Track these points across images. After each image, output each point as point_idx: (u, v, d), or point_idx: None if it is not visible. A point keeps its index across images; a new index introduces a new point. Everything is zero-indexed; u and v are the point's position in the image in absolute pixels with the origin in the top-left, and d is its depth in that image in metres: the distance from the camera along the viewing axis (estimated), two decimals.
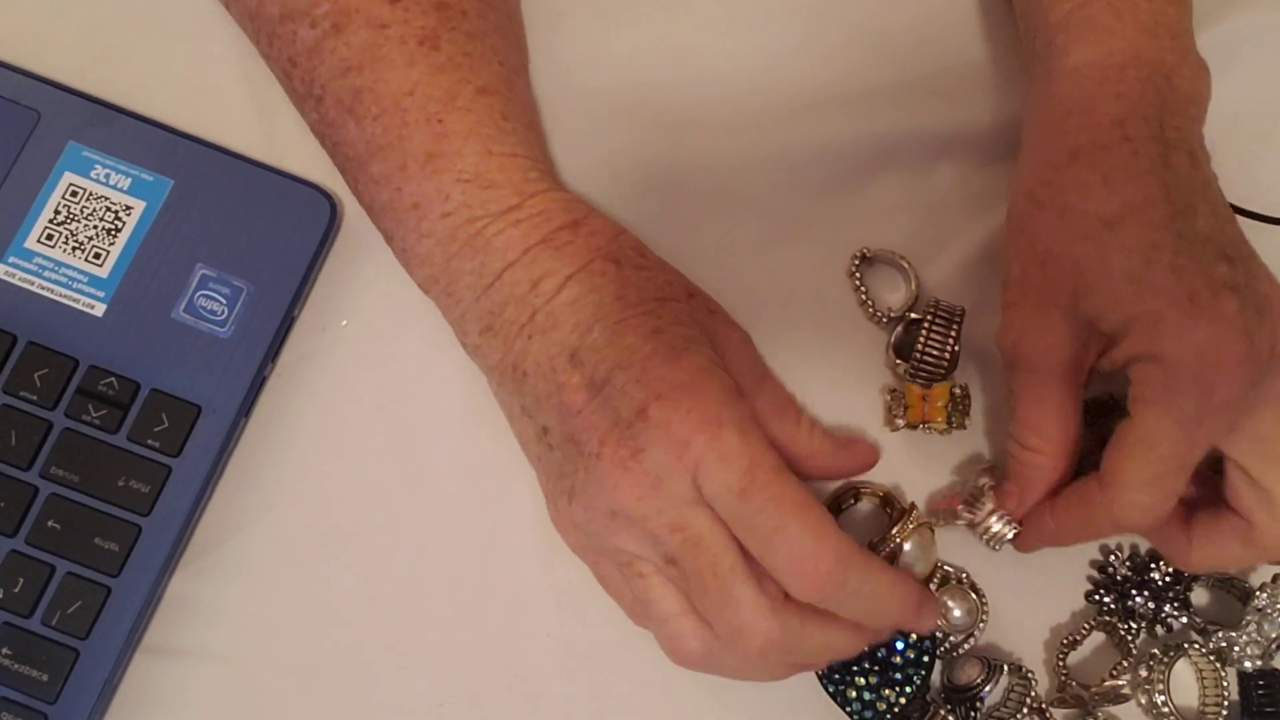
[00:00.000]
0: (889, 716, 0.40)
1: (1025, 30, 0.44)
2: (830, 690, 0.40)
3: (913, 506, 0.42)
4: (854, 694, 0.40)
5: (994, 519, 0.41)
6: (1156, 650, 0.42)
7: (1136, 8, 0.40)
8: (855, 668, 0.40)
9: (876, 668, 0.40)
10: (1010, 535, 0.41)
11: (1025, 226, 0.40)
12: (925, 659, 0.40)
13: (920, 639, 0.40)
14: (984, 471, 0.42)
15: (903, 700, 0.40)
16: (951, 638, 0.41)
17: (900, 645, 0.40)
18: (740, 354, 0.39)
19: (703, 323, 0.38)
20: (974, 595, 0.42)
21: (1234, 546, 0.39)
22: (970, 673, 0.40)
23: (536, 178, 0.39)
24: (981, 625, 0.42)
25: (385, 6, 0.38)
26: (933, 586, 0.42)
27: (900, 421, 0.43)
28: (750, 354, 0.39)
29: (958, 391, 0.42)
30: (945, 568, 0.42)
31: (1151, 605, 0.42)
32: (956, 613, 0.41)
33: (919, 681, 0.40)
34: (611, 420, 0.35)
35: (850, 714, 0.40)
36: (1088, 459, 0.40)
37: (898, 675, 0.40)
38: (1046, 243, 0.39)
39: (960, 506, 0.41)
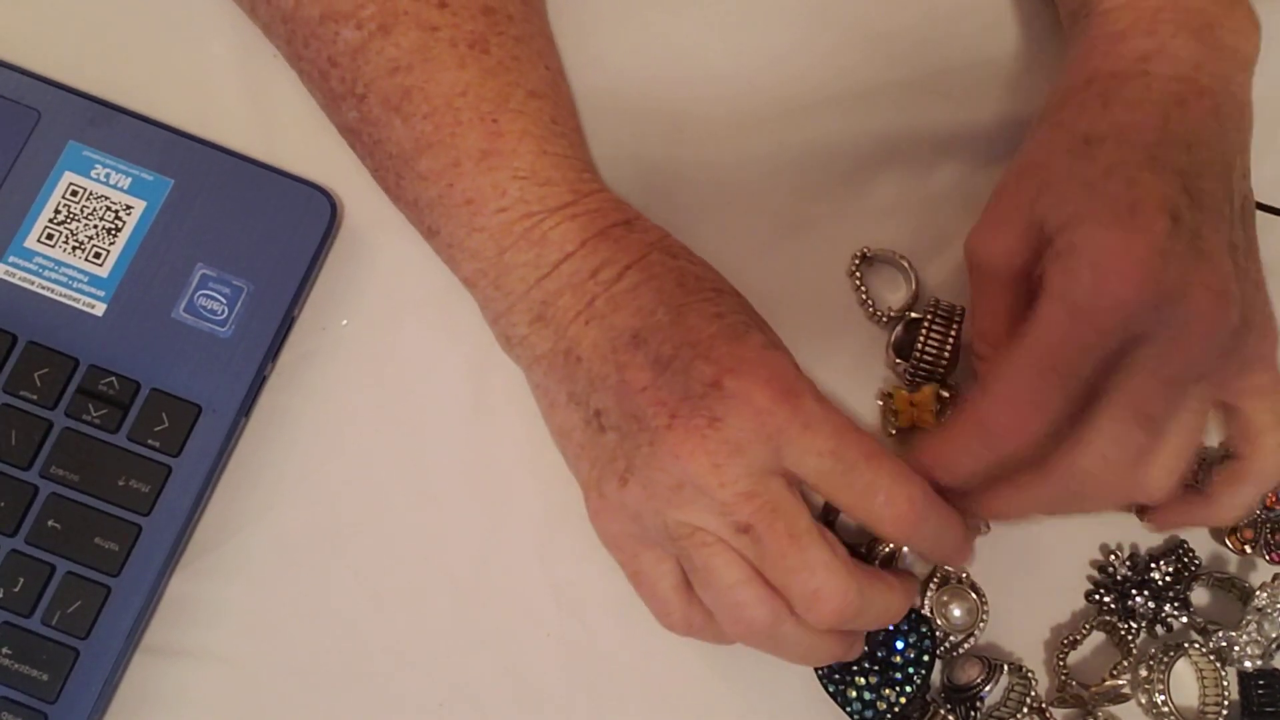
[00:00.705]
0: (889, 716, 0.40)
1: None
2: (830, 690, 0.40)
3: None
4: (854, 694, 0.40)
5: None
6: (1156, 650, 0.42)
7: None
8: (855, 667, 0.40)
9: (876, 667, 0.40)
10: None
11: (1022, 143, 0.40)
12: (925, 658, 0.40)
13: (920, 639, 0.40)
14: None
15: (903, 700, 0.40)
16: (951, 637, 0.41)
17: (900, 645, 0.40)
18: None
19: (756, 317, 0.39)
20: (974, 595, 0.42)
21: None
22: (970, 672, 0.40)
23: (590, 179, 0.40)
24: (981, 625, 0.42)
25: (434, 10, 0.38)
26: (932, 587, 0.42)
27: (894, 433, 0.43)
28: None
29: (945, 394, 0.42)
30: (945, 566, 0.42)
31: (1151, 605, 0.42)
32: (956, 613, 0.41)
33: (919, 681, 0.40)
34: (681, 394, 0.35)
35: (850, 714, 0.40)
36: None
37: (898, 675, 0.40)
38: (1031, 155, 0.39)
39: None
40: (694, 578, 0.37)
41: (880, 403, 0.44)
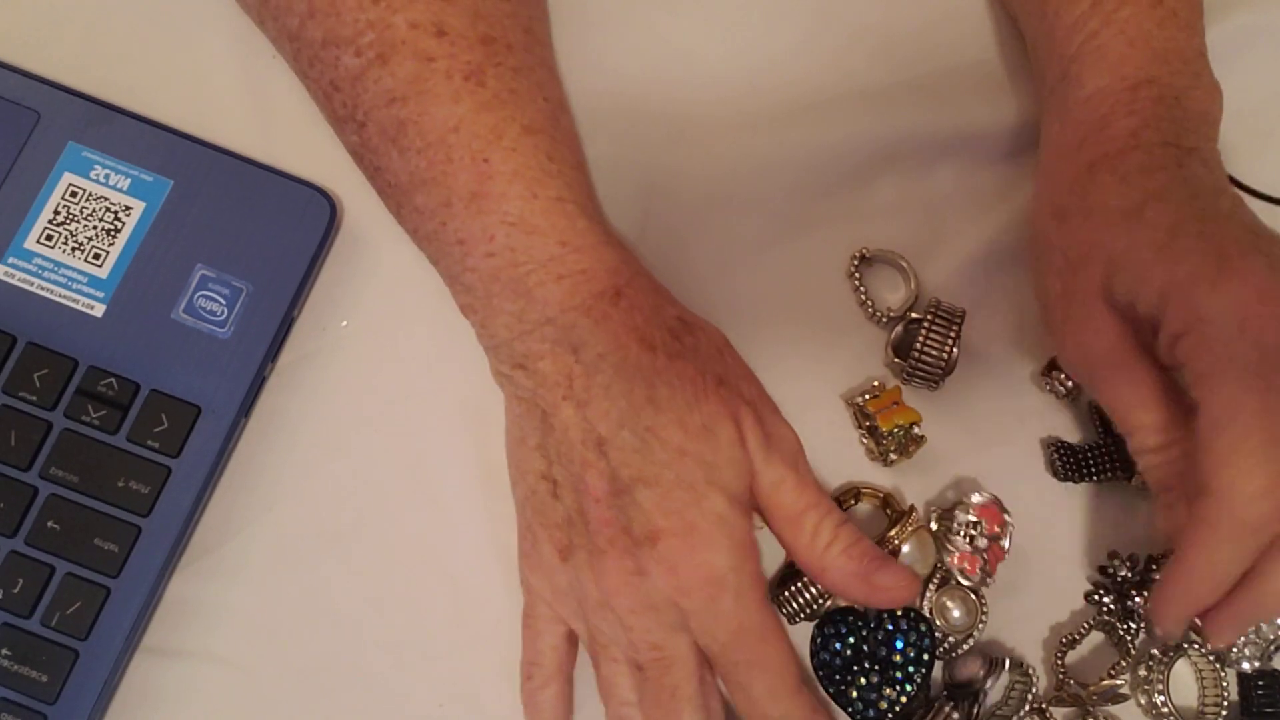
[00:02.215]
0: (890, 716, 0.40)
1: (1038, 65, 0.44)
2: (830, 691, 0.40)
3: (912, 509, 0.42)
4: (855, 694, 0.40)
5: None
6: (1156, 650, 0.42)
7: (1149, 36, 0.40)
8: (856, 667, 0.40)
9: (877, 667, 0.40)
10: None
11: (1053, 242, 0.40)
12: (925, 658, 0.40)
13: (920, 638, 0.40)
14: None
15: (903, 700, 0.40)
16: (951, 638, 0.41)
17: (900, 644, 0.40)
18: (762, 452, 0.38)
19: (731, 423, 0.37)
20: (973, 595, 0.42)
21: None
22: (972, 668, 0.41)
23: (585, 227, 0.39)
24: (981, 625, 0.42)
25: (431, 40, 0.38)
26: (932, 586, 0.42)
27: (893, 456, 0.43)
28: (775, 454, 0.38)
29: (901, 430, 0.42)
30: (945, 566, 0.42)
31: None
32: (956, 613, 0.41)
33: (919, 680, 0.40)
34: (623, 528, 0.37)
35: (851, 713, 0.40)
36: (1118, 456, 0.40)
37: (898, 674, 0.40)
38: (1075, 248, 0.38)
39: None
40: (597, 676, 0.39)
41: (863, 440, 0.44)
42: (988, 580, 0.41)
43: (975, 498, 0.42)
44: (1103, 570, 0.43)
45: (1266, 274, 0.34)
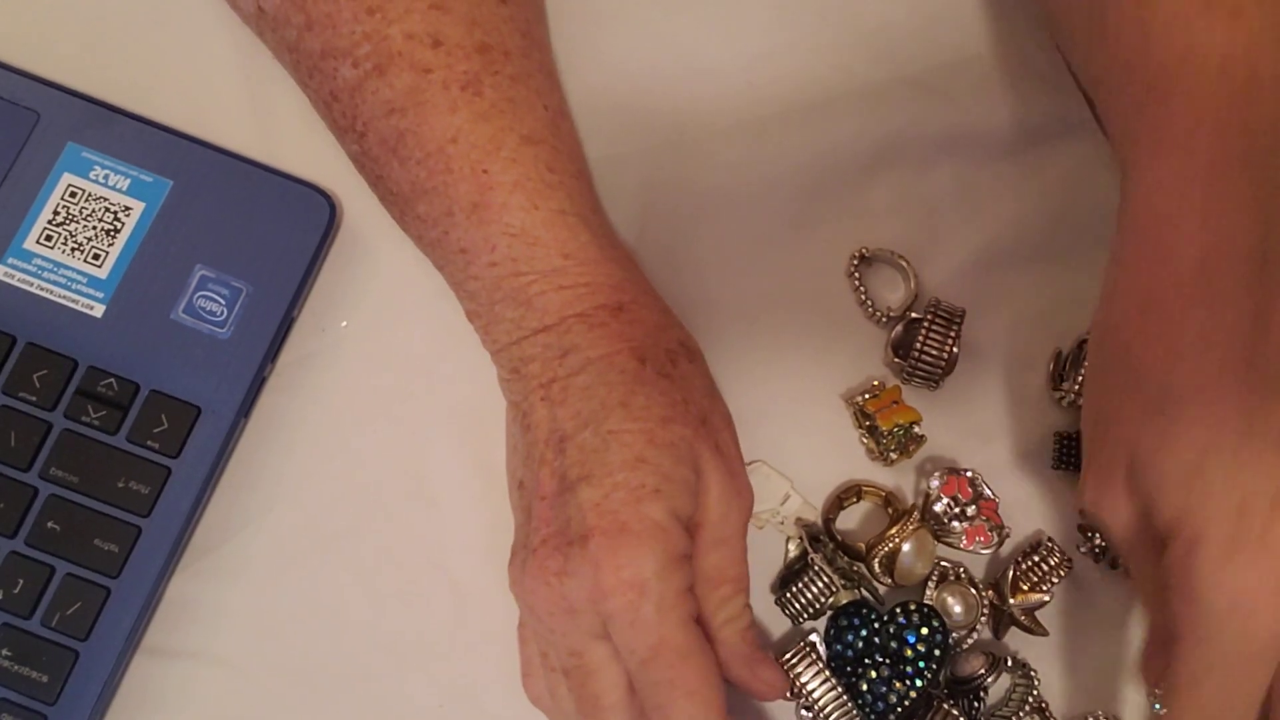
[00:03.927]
0: (900, 709, 0.40)
1: (1109, 136, 0.39)
2: (842, 683, 0.40)
3: (913, 508, 0.42)
4: (865, 686, 0.40)
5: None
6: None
7: (1217, 111, 0.32)
8: (867, 660, 0.40)
9: (888, 660, 0.40)
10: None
11: (1095, 373, 0.36)
12: (937, 652, 0.40)
13: (933, 632, 0.40)
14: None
15: (913, 694, 0.40)
16: (952, 634, 0.41)
17: (912, 639, 0.40)
18: (721, 505, 0.37)
19: (699, 460, 0.37)
20: (974, 591, 0.42)
21: None
22: (974, 664, 0.41)
23: (587, 240, 0.38)
24: (981, 621, 0.42)
25: (428, 50, 0.37)
26: (932, 583, 0.42)
27: (894, 456, 0.43)
28: (733, 512, 0.38)
29: (901, 429, 0.42)
30: (944, 563, 0.42)
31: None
32: (957, 609, 0.41)
33: (930, 675, 0.40)
34: (560, 527, 0.36)
35: (861, 705, 0.40)
36: None
37: (908, 669, 0.40)
38: (1109, 402, 0.35)
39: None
40: (548, 686, 0.38)
41: (863, 439, 0.44)
42: (1005, 533, 0.41)
43: (933, 483, 0.42)
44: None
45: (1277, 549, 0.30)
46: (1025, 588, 0.41)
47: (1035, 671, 0.41)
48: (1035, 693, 0.41)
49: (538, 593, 0.36)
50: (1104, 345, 0.35)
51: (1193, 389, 0.32)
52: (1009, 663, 0.41)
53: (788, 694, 0.39)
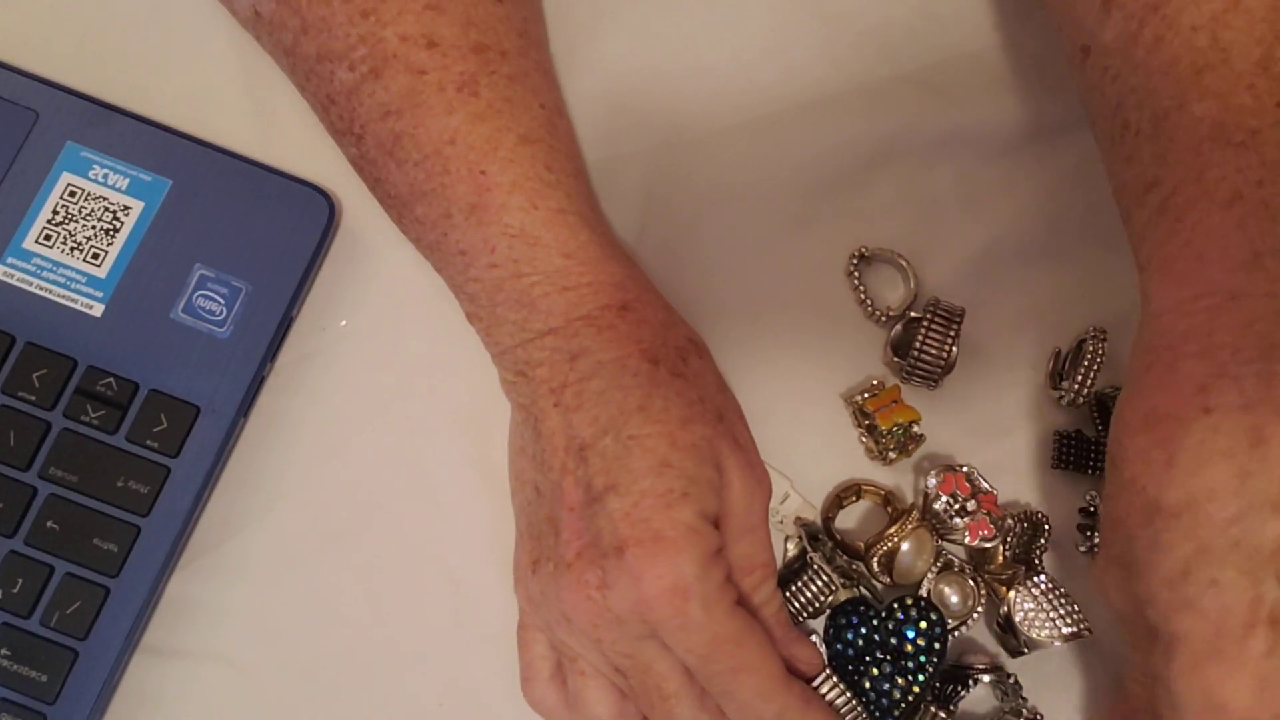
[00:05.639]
0: (903, 704, 0.40)
1: (1129, 238, 0.39)
2: (843, 681, 0.40)
3: (913, 507, 0.42)
4: (868, 684, 0.40)
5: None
6: None
7: (1226, 238, 0.34)
8: (868, 657, 0.40)
9: (889, 656, 0.40)
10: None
11: (1108, 468, 0.37)
12: (936, 646, 0.40)
13: (931, 626, 0.40)
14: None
15: (915, 689, 0.40)
16: (949, 623, 0.42)
17: (911, 634, 0.40)
18: (744, 497, 0.38)
19: (720, 457, 0.37)
20: (971, 582, 0.42)
21: None
22: (974, 660, 0.41)
23: (588, 239, 0.38)
24: (978, 613, 0.42)
25: (423, 52, 0.37)
26: (931, 575, 0.42)
27: (893, 455, 0.43)
28: (755, 501, 0.38)
29: (901, 429, 0.42)
30: (949, 555, 0.42)
31: None
32: (954, 599, 0.42)
33: (931, 670, 0.40)
34: (592, 539, 0.36)
35: (864, 702, 0.40)
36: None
37: (909, 664, 0.40)
38: (1113, 507, 0.36)
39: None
40: (570, 692, 0.39)
41: (862, 438, 0.44)
42: (1007, 523, 0.41)
43: (930, 481, 0.42)
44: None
45: (1253, 664, 0.32)
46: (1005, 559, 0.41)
47: (1015, 678, 0.41)
48: (1023, 697, 0.41)
49: (579, 606, 0.36)
50: (1112, 449, 0.36)
51: (1186, 505, 0.33)
52: (1008, 676, 0.41)
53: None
